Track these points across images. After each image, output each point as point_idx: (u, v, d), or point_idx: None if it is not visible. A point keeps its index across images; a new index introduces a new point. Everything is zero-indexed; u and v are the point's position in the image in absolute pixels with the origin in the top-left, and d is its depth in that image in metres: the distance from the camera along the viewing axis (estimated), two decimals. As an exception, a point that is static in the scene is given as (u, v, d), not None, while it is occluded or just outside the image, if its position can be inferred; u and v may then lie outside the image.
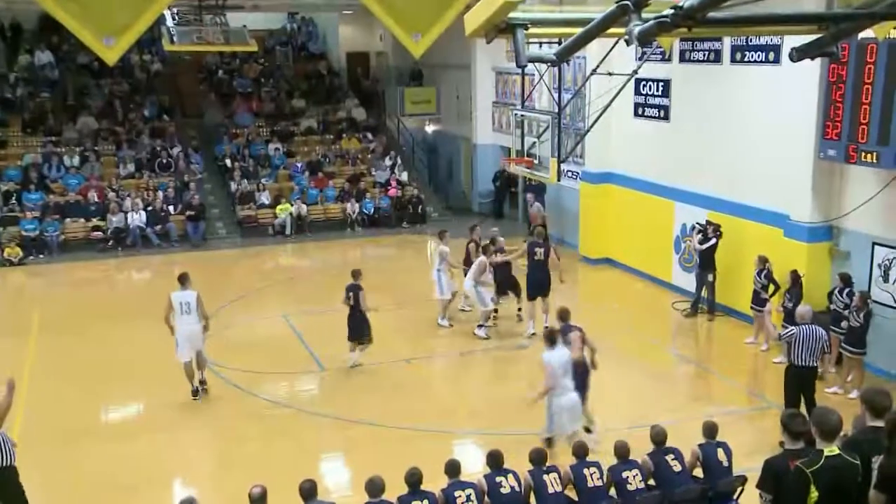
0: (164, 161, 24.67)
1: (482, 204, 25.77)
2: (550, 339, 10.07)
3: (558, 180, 16.92)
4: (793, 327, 10.78)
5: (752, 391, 13.01)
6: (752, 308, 14.11)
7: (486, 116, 25.17)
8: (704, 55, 16.16)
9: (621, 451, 8.35)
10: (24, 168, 23.38)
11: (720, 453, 8.53)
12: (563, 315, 11.19)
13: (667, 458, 8.36)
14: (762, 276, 13.73)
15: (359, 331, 13.11)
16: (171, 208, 22.93)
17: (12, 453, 8.34)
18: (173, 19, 21.94)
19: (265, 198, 23.79)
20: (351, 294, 12.97)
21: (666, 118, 17.43)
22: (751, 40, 14.77)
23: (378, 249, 22.34)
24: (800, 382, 10.67)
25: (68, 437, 11.22)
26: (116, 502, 9.55)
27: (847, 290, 12.42)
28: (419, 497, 7.63)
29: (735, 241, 15.20)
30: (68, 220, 22.12)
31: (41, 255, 20.89)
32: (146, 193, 23.19)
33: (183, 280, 12.37)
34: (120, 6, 10.24)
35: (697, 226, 15.74)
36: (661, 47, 16.62)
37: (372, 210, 24.16)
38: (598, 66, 14.87)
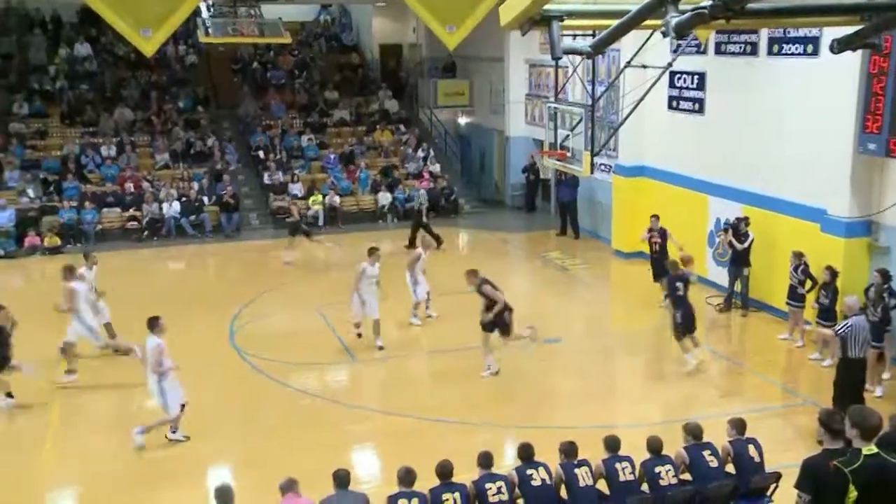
0: (199, 152, 24.87)
1: (514, 196, 25.69)
2: None
3: (591, 173, 16.78)
4: (848, 320, 10.60)
5: (787, 387, 12.86)
6: (787, 304, 13.93)
7: (519, 109, 25.06)
8: (741, 48, 15.96)
9: (654, 446, 8.31)
10: (63, 158, 23.69)
11: (751, 449, 8.47)
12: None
13: (703, 452, 8.30)
14: (798, 271, 13.56)
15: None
16: (205, 199, 23.11)
17: None
18: (208, 11, 22.05)
19: (298, 189, 23.90)
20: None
21: (701, 111, 17.25)
22: (788, 32, 14.55)
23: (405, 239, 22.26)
24: (854, 377, 10.48)
25: (102, 426, 11.35)
26: (152, 490, 9.65)
27: (887, 287, 12.23)
28: (450, 489, 7.64)
29: (770, 236, 15.01)
30: (105, 209, 22.39)
31: (78, 244, 21.15)
32: (181, 184, 23.39)
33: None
34: (157, -4, 10.34)
35: (727, 224, 15.57)
36: (696, 39, 16.43)
37: (404, 202, 24.18)
38: (632, 59, 14.74)
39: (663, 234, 16.21)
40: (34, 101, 25.64)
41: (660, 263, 15.79)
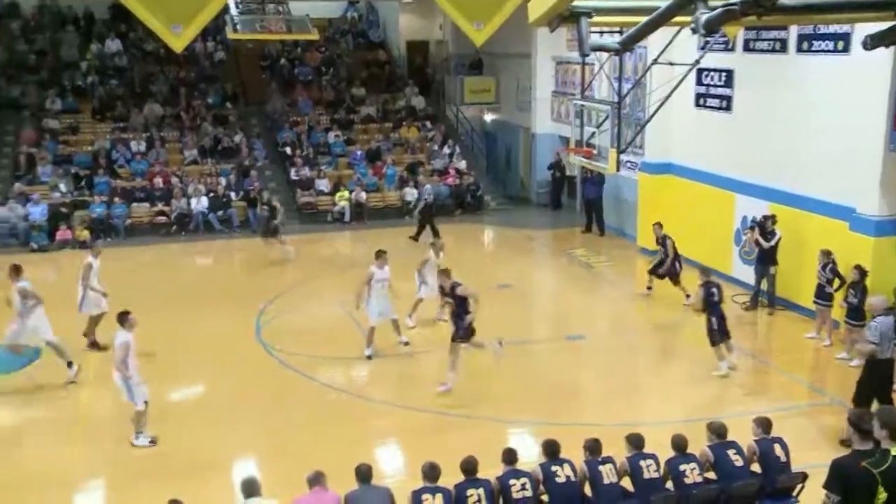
0: (227, 148, 25.03)
1: (540, 193, 25.62)
2: None
3: (617, 171, 16.72)
4: (875, 322, 10.42)
5: (813, 387, 12.72)
6: (815, 302, 13.78)
7: (546, 106, 24.97)
8: (769, 44, 15.80)
9: (679, 444, 8.26)
10: (94, 153, 23.93)
11: (777, 449, 8.40)
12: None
13: (728, 451, 8.24)
14: (826, 270, 13.41)
15: None
16: (232, 194, 23.24)
17: None
18: (237, 8, 22.18)
19: (324, 185, 23.98)
20: None
21: (728, 109, 17.10)
22: (818, 29, 14.37)
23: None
24: (880, 377, 10.33)
25: (124, 420, 11.43)
26: (178, 479, 9.71)
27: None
28: (475, 485, 7.64)
29: (798, 235, 14.86)
30: (134, 204, 22.60)
31: (108, 238, 21.36)
32: (208, 180, 23.54)
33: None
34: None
35: (753, 223, 15.44)
36: (725, 37, 16.27)
37: (432, 198, 24.14)
38: (659, 56, 14.68)
39: (664, 242, 16.06)
40: (66, 97, 25.93)
41: (668, 269, 15.95)
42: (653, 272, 16.36)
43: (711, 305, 12.72)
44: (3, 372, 12.17)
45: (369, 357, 13.28)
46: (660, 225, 16.53)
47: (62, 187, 22.53)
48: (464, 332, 12.04)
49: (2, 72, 26.40)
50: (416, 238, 20.89)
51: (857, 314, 12.67)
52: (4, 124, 25.04)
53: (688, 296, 15.57)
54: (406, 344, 13.76)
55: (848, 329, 13.02)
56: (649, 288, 16.54)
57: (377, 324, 13.38)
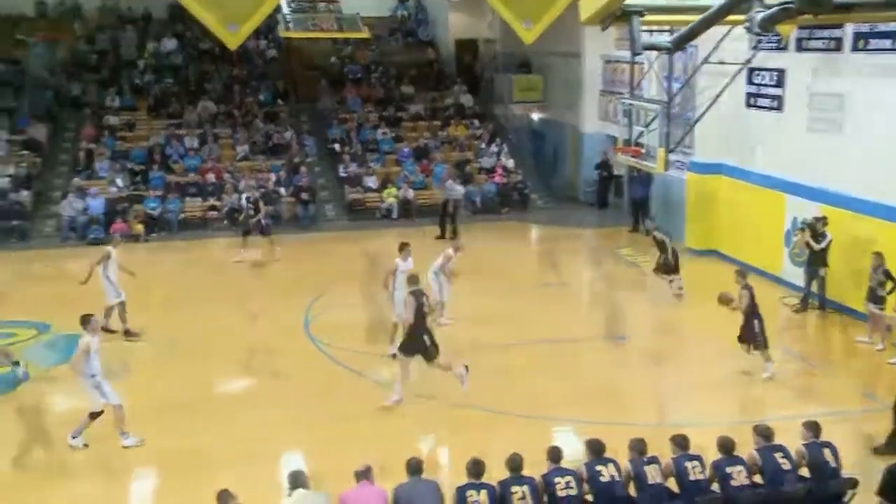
0: (277, 144, 25.26)
1: (587, 192, 25.42)
2: None
3: (666, 170, 16.54)
4: None
5: (864, 391, 12.43)
6: (866, 305, 13.48)
7: (594, 105, 24.77)
8: (824, 43, 15.47)
9: (726, 446, 8.15)
10: (149, 149, 24.34)
11: (827, 453, 8.24)
12: None
13: (776, 455, 8.11)
14: (879, 272, 13.12)
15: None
16: (282, 190, 23.45)
17: None
18: (289, 7, 22.36)
19: (372, 182, 24.08)
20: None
21: (779, 108, 16.79)
22: (875, 27, 14.02)
23: (483, 234, 22.23)
24: None
25: (179, 410, 11.61)
26: (227, 474, 9.83)
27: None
28: (520, 482, 7.62)
29: (849, 237, 14.55)
30: (187, 199, 22.94)
31: (162, 232, 21.70)
32: (259, 175, 23.77)
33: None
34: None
35: (804, 224, 15.16)
36: (778, 35, 15.98)
37: (479, 198, 24.12)
38: (710, 55, 14.49)
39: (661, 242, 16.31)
40: (124, 95, 26.41)
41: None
42: (657, 271, 16.57)
43: (754, 308, 12.51)
44: None
45: (393, 356, 12.62)
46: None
47: (119, 182, 22.96)
48: (412, 349, 11.63)
49: (64, 71, 26.96)
50: (441, 236, 20.89)
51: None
52: (66, 122, 25.60)
53: (671, 281, 16.13)
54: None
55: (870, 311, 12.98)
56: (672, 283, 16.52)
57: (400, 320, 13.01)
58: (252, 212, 19.79)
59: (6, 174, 22.44)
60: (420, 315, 11.60)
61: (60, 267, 19.71)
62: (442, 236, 20.96)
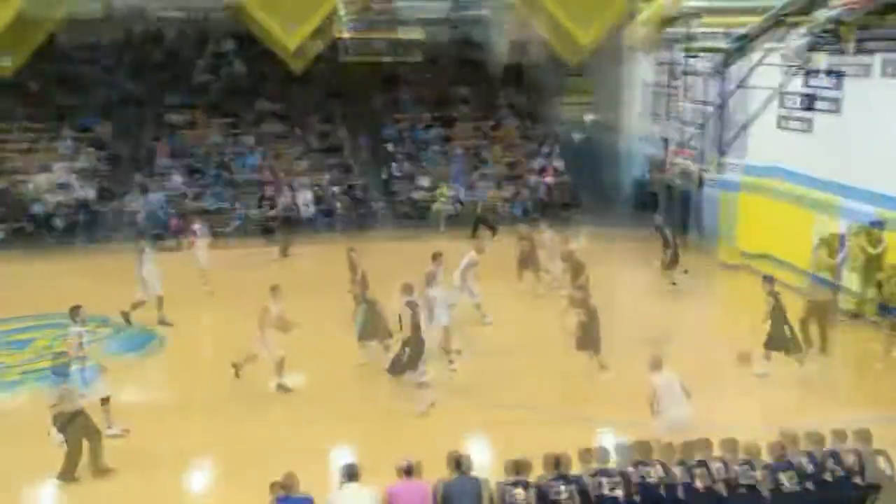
0: (331, 144, 25.45)
1: (634, 195, 25.14)
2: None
3: (719, 173, 16.32)
4: None
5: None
6: None
7: (645, 107, 24.51)
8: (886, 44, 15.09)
9: (777, 452, 8.05)
10: (208, 148, 24.70)
11: (881, 461, 8.07)
12: None
13: (827, 462, 7.98)
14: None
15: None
16: (335, 189, 23.60)
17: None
18: (345, 8, 22.43)
19: (425, 181, 24.12)
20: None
21: (837, 111, 16.42)
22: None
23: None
24: None
25: (250, 403, 11.85)
26: (278, 466, 9.93)
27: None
28: (565, 482, 7.60)
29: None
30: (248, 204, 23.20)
31: (217, 229, 21.98)
32: (313, 175, 23.96)
33: None
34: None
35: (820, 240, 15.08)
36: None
37: (520, 213, 23.92)
38: (764, 57, 14.25)
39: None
40: (185, 94, 26.82)
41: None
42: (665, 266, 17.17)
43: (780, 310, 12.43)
44: None
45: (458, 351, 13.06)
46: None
47: (178, 179, 23.36)
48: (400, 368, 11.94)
49: (130, 71, 27.46)
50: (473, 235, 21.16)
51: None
52: (129, 120, 26.08)
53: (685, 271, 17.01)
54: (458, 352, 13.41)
55: None
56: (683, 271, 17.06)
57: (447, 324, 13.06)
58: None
59: (72, 170, 23.00)
60: (416, 327, 11.73)
61: (122, 265, 20.11)
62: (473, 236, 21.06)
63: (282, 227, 21.58)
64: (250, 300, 16.17)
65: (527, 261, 17.04)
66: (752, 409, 11.75)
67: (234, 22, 28.55)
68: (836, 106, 16.46)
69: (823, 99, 16.79)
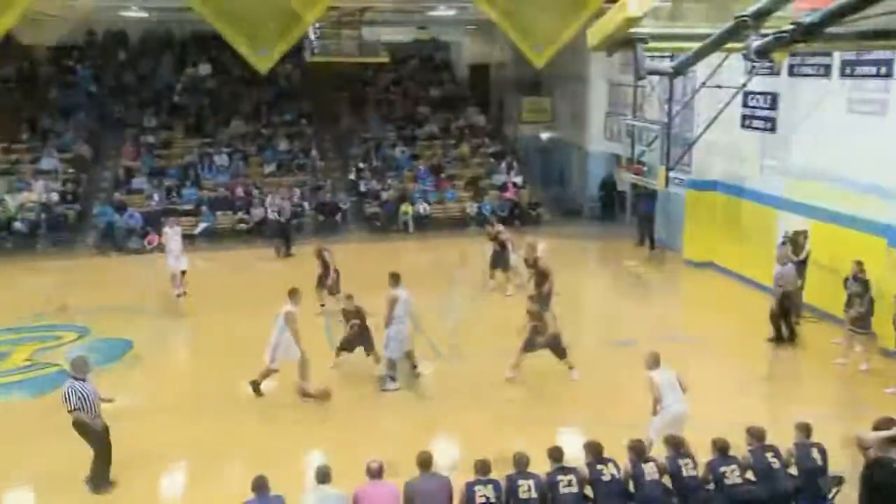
0: (302, 162, 25.42)
1: (592, 208, 25.45)
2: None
3: (666, 187, 16.55)
4: None
5: (848, 395, 12.39)
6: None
7: (599, 125, 24.84)
8: (814, 69, 15.47)
9: (721, 446, 8.17)
10: (184, 167, 24.57)
11: (815, 453, 8.25)
12: None
13: (767, 454, 8.12)
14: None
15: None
16: (306, 204, 23.58)
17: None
18: (315, 34, 22.52)
19: (391, 197, 24.15)
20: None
21: (772, 129, 16.79)
22: (861, 55, 14.04)
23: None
24: None
25: (225, 407, 11.76)
26: (251, 470, 9.90)
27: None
28: (526, 477, 7.66)
29: (837, 250, 14.52)
30: (218, 212, 23.10)
31: (192, 244, 21.84)
32: (284, 191, 23.89)
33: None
34: (273, 21, 10.68)
35: (785, 237, 15.21)
36: (772, 62, 15.96)
37: (490, 212, 24.16)
38: (707, 79, 14.51)
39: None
40: (162, 116, 26.69)
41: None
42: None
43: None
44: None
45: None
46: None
47: (155, 197, 23.20)
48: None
49: (109, 93, 27.26)
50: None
51: (863, 323, 12.78)
52: (108, 141, 25.87)
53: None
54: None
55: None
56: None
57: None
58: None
59: (55, 189, 22.75)
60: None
61: (99, 275, 19.96)
62: None
63: (276, 231, 21.71)
64: (224, 304, 16.23)
65: (497, 261, 17.12)
66: (709, 406, 11.88)
67: (210, 47, 28.65)
68: (771, 125, 16.84)
69: (759, 118, 17.18)
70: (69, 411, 9.29)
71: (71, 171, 23.77)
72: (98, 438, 9.47)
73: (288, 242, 21.30)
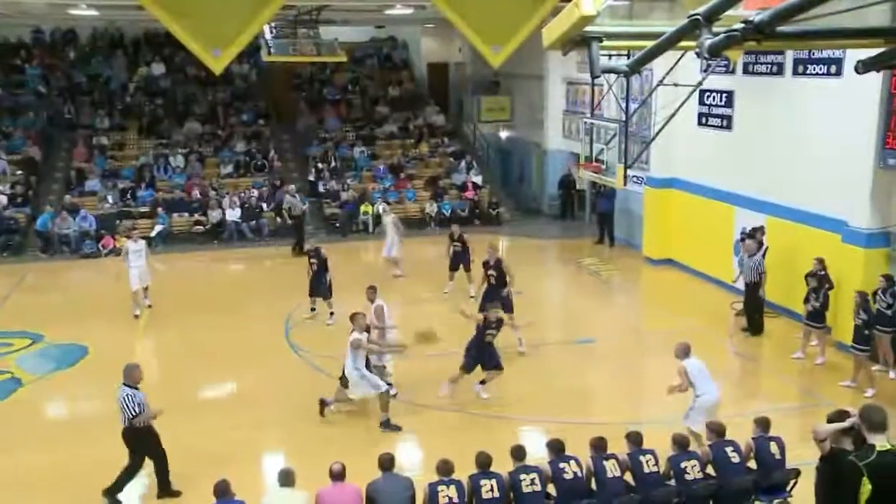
0: (260, 162, 25.19)
1: (551, 206, 25.61)
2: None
3: (624, 185, 16.68)
4: None
5: (804, 389, 12.63)
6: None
7: (557, 124, 24.98)
8: (767, 68, 15.76)
9: (681, 442, 8.26)
10: (139, 168, 24.19)
11: (773, 447, 8.38)
12: None
13: (726, 449, 8.24)
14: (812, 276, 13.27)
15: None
16: (263, 205, 23.39)
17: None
18: (271, 33, 22.34)
19: (349, 197, 24.05)
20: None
21: (728, 127, 17.05)
22: (813, 53, 14.34)
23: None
24: None
25: (183, 413, 11.50)
26: (211, 474, 9.77)
27: (890, 291, 12.09)
28: (488, 476, 7.67)
29: (792, 245, 14.79)
30: (174, 214, 22.78)
31: (150, 246, 21.52)
32: (242, 192, 23.68)
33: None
34: (227, 20, 10.53)
35: (743, 233, 15.51)
36: (726, 60, 16.24)
37: (449, 211, 24.20)
38: (664, 78, 14.65)
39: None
40: (115, 117, 26.24)
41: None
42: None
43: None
44: None
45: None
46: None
47: (109, 199, 22.81)
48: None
49: (60, 94, 26.75)
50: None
51: (818, 317, 13.06)
52: (60, 142, 25.39)
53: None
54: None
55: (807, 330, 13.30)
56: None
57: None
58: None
59: (3, 192, 22.24)
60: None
61: (53, 280, 19.59)
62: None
63: (292, 227, 21.52)
64: (182, 308, 16.01)
65: (458, 262, 17.11)
66: (670, 403, 12.00)
67: (163, 46, 28.26)
68: (727, 122, 17.10)
69: (715, 116, 17.44)
70: (129, 419, 8.96)
71: (20, 173, 23.29)
72: (154, 446, 9.21)
73: (301, 239, 20.87)
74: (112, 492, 9.22)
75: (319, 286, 15.41)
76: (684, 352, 9.96)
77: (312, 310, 15.54)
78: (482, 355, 11.75)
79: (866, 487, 5.59)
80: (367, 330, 11.22)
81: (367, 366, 10.93)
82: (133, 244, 15.90)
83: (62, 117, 26.02)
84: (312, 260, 15.52)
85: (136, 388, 9.10)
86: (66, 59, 27.99)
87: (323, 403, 11.30)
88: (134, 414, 8.95)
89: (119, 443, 9.18)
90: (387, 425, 10.85)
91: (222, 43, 10.62)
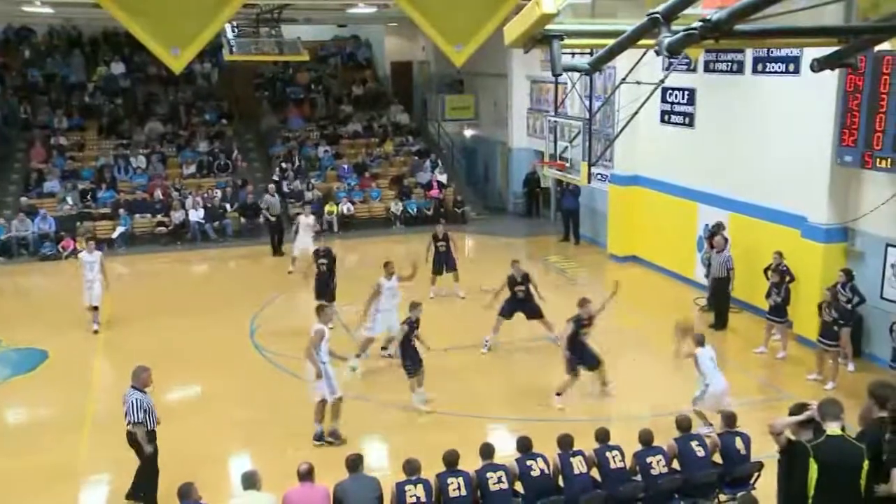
0: (223, 162, 24.95)
1: (516, 204, 25.70)
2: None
3: (588, 183, 16.77)
4: None
5: (767, 383, 12.81)
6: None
7: (521, 122, 25.09)
8: (728, 66, 15.97)
9: (646, 438, 8.33)
10: (99, 169, 23.82)
11: (738, 442, 8.49)
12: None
13: (692, 443, 8.33)
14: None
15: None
16: (227, 206, 23.17)
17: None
18: (233, 31, 22.13)
19: (314, 197, 23.92)
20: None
21: (691, 125, 17.25)
22: (772, 52, 14.56)
23: (419, 244, 22.23)
24: None
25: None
26: (178, 475, 9.67)
27: (849, 285, 12.35)
28: (455, 475, 7.68)
29: (754, 241, 15.00)
30: (136, 215, 22.47)
31: (111, 248, 21.22)
32: (205, 192, 23.44)
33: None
34: (186, 19, 10.39)
35: (708, 230, 15.75)
36: (687, 58, 16.44)
37: (415, 210, 24.17)
38: (627, 76, 14.74)
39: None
40: (74, 117, 25.81)
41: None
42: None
43: None
44: None
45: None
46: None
47: (69, 200, 22.42)
48: None
49: (15, 93, 26.25)
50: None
51: (780, 312, 13.34)
52: (16, 142, 24.91)
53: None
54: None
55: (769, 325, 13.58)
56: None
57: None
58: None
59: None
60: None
61: (11, 283, 19.22)
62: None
63: (269, 227, 21.34)
64: (144, 311, 15.79)
65: (441, 264, 16.86)
66: (636, 399, 12.11)
67: (122, 45, 27.85)
68: (689, 120, 17.29)
69: (678, 114, 17.62)
70: (133, 423, 8.76)
71: (-25, 174, 22.85)
72: (148, 459, 8.98)
73: (280, 240, 20.74)
74: (135, 496, 9.08)
75: (325, 289, 14.80)
76: (699, 341, 10.53)
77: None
78: (584, 355, 11.79)
79: (813, 468, 5.77)
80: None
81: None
82: (87, 255, 14.78)
83: (17, 117, 25.52)
84: (322, 260, 14.94)
85: (144, 392, 8.92)
86: (20, 58, 27.45)
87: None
88: (136, 420, 8.77)
89: (75, 450, 9.04)
90: (334, 435, 10.59)
91: (182, 42, 10.47)
